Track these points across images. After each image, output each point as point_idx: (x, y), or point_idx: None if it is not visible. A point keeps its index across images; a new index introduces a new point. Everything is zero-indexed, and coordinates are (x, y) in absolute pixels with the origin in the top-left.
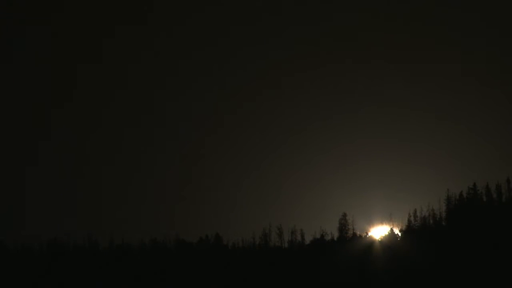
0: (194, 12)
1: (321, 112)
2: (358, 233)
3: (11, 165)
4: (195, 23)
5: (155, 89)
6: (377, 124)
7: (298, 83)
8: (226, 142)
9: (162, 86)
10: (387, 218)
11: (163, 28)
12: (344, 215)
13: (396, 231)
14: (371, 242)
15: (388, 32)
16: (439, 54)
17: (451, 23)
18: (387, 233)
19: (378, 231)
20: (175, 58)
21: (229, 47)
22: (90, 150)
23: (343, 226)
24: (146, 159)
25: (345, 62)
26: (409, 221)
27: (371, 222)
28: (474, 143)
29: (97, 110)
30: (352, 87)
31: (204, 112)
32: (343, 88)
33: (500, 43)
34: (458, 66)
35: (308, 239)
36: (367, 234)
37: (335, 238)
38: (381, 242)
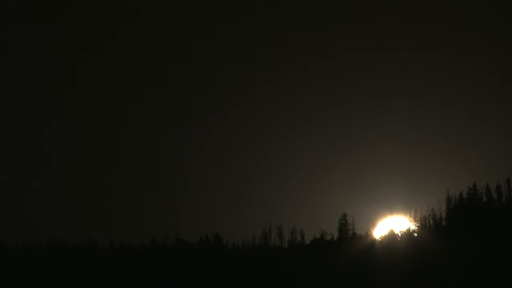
0: (189, 13)
1: (319, 109)
2: (358, 233)
3: (11, 165)
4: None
5: (153, 88)
6: (376, 124)
7: (296, 78)
8: (225, 142)
9: (159, 85)
10: (388, 216)
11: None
12: (344, 215)
13: (397, 230)
14: (371, 242)
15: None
16: (443, 47)
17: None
18: (387, 233)
19: (379, 231)
20: (172, 58)
21: (220, 46)
22: (90, 150)
23: (343, 226)
24: (145, 159)
25: (339, 55)
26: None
27: (371, 222)
28: (474, 143)
29: (97, 109)
30: (345, 82)
31: (203, 112)
32: (337, 82)
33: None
34: (462, 62)
35: (308, 239)
36: (367, 234)
37: (335, 238)
38: (381, 242)
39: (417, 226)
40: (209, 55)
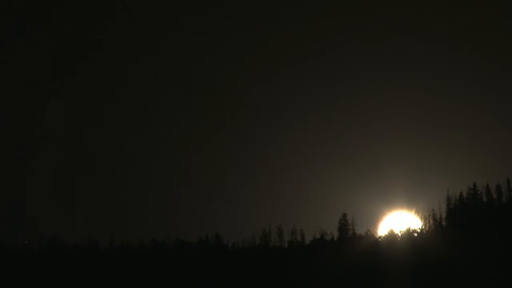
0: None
1: (318, 108)
2: (358, 233)
3: (11, 165)
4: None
5: (152, 87)
6: (376, 122)
7: (293, 77)
8: (225, 142)
9: (158, 85)
10: (388, 214)
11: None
12: (344, 215)
13: (397, 230)
14: (371, 242)
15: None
16: (445, 40)
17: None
18: (387, 233)
19: (379, 231)
20: (170, 57)
21: (220, 40)
22: (90, 150)
23: (343, 226)
24: (146, 159)
25: (338, 51)
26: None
27: (371, 221)
28: (473, 143)
29: (97, 109)
30: (343, 80)
31: (204, 111)
32: (336, 80)
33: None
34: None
35: (308, 239)
36: (367, 233)
37: (335, 238)
38: (381, 242)
39: (421, 224)
40: (208, 54)
